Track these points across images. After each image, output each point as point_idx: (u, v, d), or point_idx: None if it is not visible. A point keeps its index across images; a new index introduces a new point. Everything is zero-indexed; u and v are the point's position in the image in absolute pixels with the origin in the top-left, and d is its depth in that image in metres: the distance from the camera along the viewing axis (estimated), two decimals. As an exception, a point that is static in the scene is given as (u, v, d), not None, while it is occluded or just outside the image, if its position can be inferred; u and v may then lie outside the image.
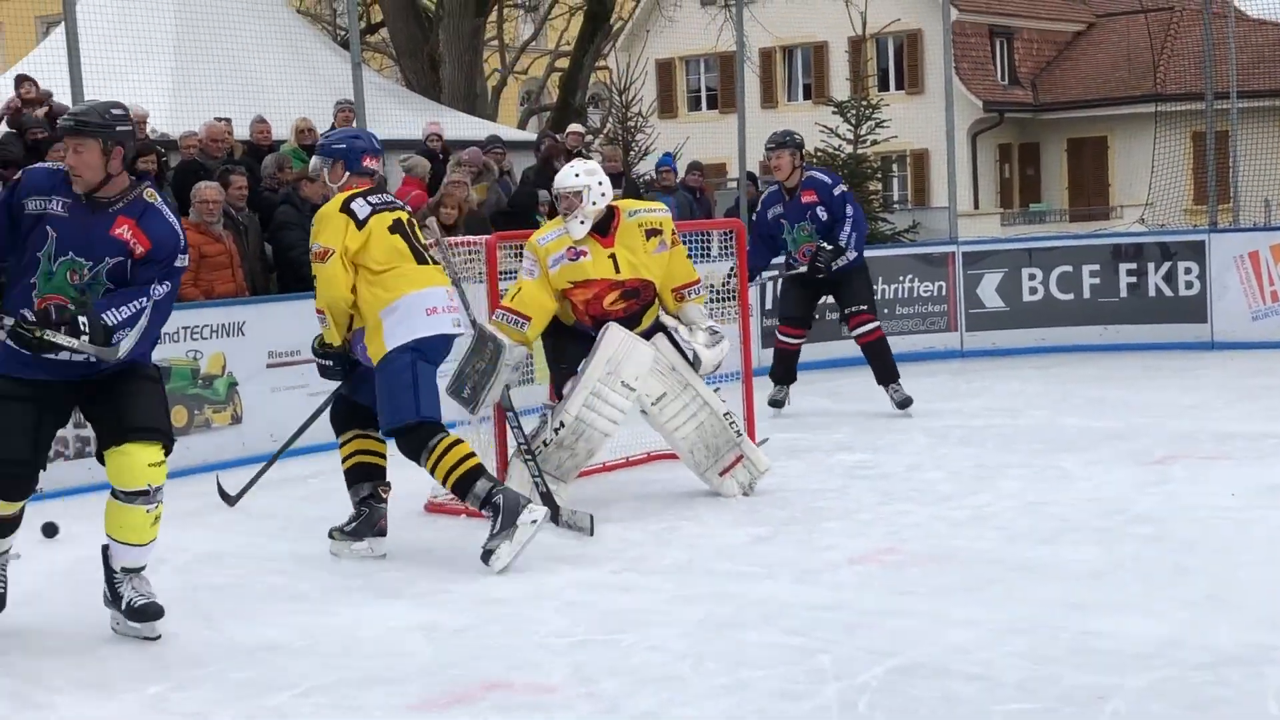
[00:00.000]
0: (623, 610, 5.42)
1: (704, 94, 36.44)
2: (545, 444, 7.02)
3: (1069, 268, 12.84)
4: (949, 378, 11.48)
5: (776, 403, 10.10)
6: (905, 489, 7.41)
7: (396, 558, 6.44)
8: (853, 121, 19.63)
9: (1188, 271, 12.68)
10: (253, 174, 10.55)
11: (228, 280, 9.49)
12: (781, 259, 10.06)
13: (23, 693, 4.76)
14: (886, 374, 9.90)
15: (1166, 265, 12.71)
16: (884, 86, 31.92)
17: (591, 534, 6.71)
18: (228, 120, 11.47)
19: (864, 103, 20.17)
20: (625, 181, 14.56)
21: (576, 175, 7.11)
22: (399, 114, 15.61)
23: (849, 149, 19.45)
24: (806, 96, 33.95)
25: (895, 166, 30.52)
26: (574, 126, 14.91)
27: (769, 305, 12.45)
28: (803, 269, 9.72)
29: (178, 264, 5.24)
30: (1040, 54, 35.23)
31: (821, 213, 9.63)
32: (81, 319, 4.96)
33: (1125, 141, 30.26)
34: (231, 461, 8.90)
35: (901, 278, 12.93)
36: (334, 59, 16.61)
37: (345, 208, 6.36)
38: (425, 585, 5.92)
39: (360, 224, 6.32)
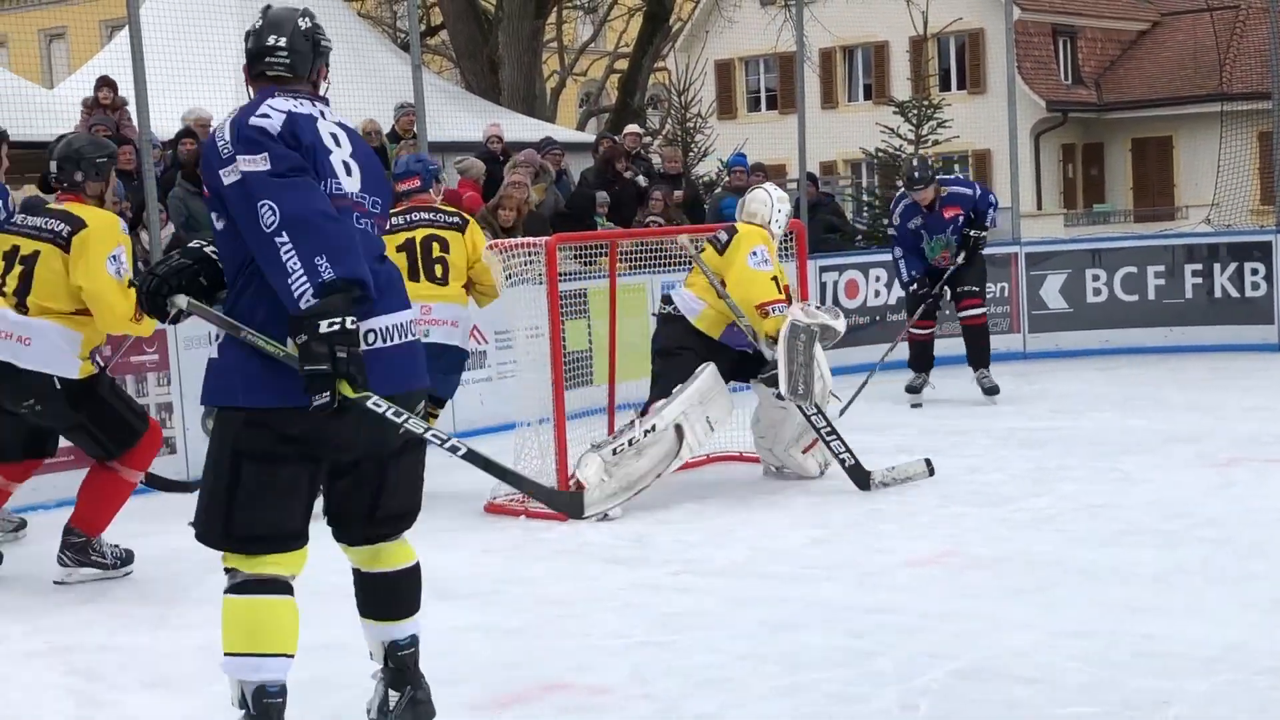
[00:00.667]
0: (680, 612, 5.42)
1: (763, 94, 36.38)
2: (630, 443, 7.15)
3: (1133, 269, 12.72)
4: (1011, 379, 11.38)
5: (914, 388, 10.63)
6: (965, 491, 7.37)
7: (455, 558, 6.46)
8: (914, 121, 19.52)
9: (1254, 272, 12.53)
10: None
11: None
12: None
13: (88, 691, 4.82)
14: (980, 359, 10.55)
15: (1233, 266, 12.57)
16: (945, 86, 31.75)
17: (931, 474, 7.45)
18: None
19: (925, 102, 20.05)
20: (686, 183, 14.55)
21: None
22: (459, 116, 15.70)
23: (910, 149, 19.35)
24: (867, 97, 33.83)
25: (957, 167, 30.23)
26: (631, 127, 14.90)
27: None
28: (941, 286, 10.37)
29: (226, 179, 3.76)
30: (1104, 53, 34.95)
31: (961, 219, 10.30)
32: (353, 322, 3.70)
33: (1190, 141, 29.94)
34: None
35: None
36: (394, 61, 16.70)
37: None
38: (484, 586, 5.94)
39: None
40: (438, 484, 8.09)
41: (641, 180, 13.30)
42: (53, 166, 6.10)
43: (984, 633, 4.94)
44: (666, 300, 7.85)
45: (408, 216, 7.37)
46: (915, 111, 19.64)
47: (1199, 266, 12.68)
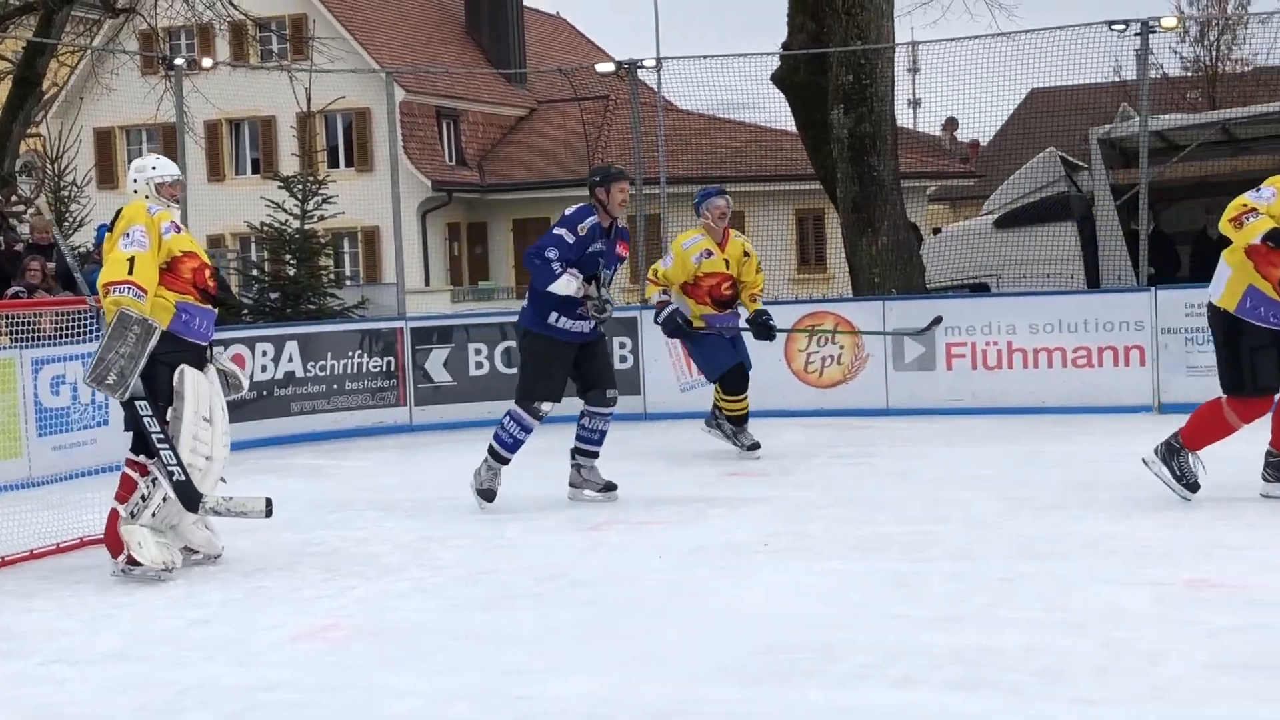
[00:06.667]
0: (50, 704, 5.11)
1: (147, 165, 35.32)
2: (164, 500, 7.17)
3: (512, 343, 13.21)
4: (399, 452, 11.55)
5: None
6: (352, 563, 7.37)
7: None
8: (300, 196, 19.55)
9: (622, 346, 13.34)
10: None
11: None
12: None
13: None
14: None
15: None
16: (334, 163, 32.04)
17: (269, 515, 7.31)
18: None
19: (311, 178, 20.14)
20: (57, 253, 13.86)
21: None
22: None
23: (296, 224, 19.35)
24: (255, 170, 33.58)
25: (346, 242, 30.62)
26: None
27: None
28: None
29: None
30: (486, 136, 36.38)
31: None
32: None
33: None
34: None
35: (351, 353, 12.93)
36: None
37: None
38: None
39: None
40: None
41: (18, 247, 12.56)
42: None
43: (366, 703, 4.95)
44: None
45: None
46: (300, 187, 19.68)
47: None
